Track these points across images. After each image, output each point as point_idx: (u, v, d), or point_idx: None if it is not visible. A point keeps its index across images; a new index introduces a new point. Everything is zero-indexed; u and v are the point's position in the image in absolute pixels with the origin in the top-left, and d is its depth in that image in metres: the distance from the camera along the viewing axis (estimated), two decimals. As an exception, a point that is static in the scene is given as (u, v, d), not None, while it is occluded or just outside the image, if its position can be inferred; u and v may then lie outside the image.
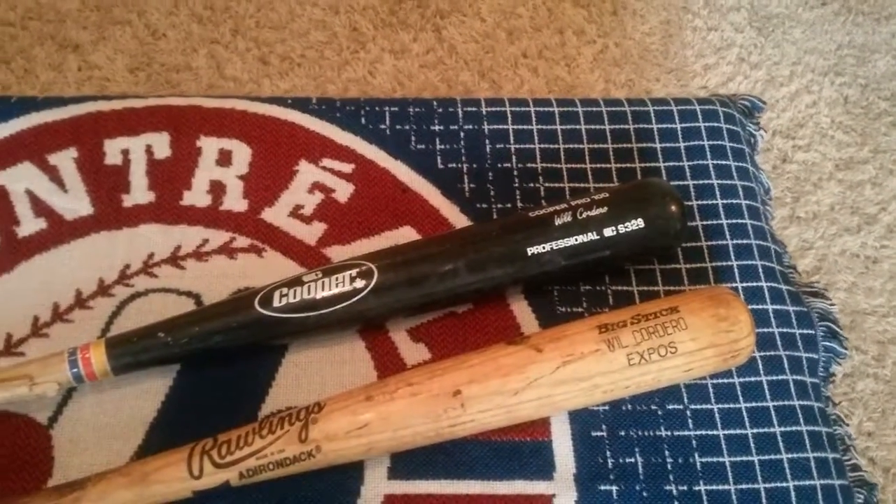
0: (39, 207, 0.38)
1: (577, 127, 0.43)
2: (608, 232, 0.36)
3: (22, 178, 0.39)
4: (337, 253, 0.38)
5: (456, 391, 0.32)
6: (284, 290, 0.34)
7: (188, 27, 0.74)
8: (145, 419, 0.34)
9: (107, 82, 0.70)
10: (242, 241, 0.38)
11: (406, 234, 0.39)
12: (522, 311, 0.37)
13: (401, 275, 0.35)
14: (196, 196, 0.39)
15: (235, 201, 0.39)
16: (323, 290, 0.34)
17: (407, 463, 0.33)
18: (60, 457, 0.33)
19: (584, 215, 0.36)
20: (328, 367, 0.36)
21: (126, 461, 0.33)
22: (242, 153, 0.41)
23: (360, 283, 0.34)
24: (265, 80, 0.71)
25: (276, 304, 0.34)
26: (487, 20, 0.77)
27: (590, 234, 0.36)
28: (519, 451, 0.34)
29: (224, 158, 0.40)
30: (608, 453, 0.34)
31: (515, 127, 0.42)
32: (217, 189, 0.40)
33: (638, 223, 0.36)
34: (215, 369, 0.35)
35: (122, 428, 0.33)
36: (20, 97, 0.41)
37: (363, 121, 0.42)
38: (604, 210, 0.36)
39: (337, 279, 0.34)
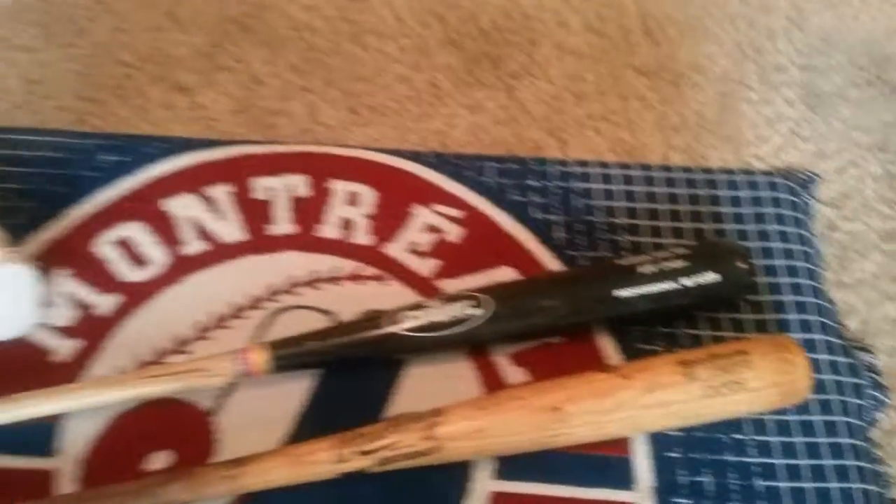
0: (200, 232, 0.47)
1: (654, 189, 0.51)
2: (686, 282, 0.43)
3: (185, 207, 0.47)
4: (447, 285, 0.46)
5: (556, 407, 0.39)
6: (410, 313, 0.42)
7: (285, 76, 0.83)
8: (292, 412, 0.41)
9: (212, 121, 0.79)
10: (369, 271, 0.46)
11: (506, 274, 0.47)
12: (607, 345, 0.44)
13: (508, 307, 0.43)
14: (329, 230, 0.47)
15: (362, 236, 0.47)
16: (442, 314, 0.42)
17: (510, 465, 0.40)
18: (221, 439, 0.40)
19: (666, 266, 0.43)
20: (440, 381, 0.43)
21: (276, 445, 0.40)
22: (368, 196, 0.49)
23: (474, 312, 0.42)
24: (354, 127, 0.80)
25: (402, 323, 0.42)
26: (556, 83, 0.86)
27: (670, 282, 0.43)
28: (604, 463, 0.41)
29: (352, 199, 0.49)
30: (681, 472, 0.41)
31: (598, 186, 0.51)
32: (347, 225, 0.48)
33: (712, 276, 0.43)
34: (347, 375, 0.43)
35: (272, 418, 0.41)
36: (184, 138, 0.50)
37: (468, 173, 0.50)
38: (683, 263, 0.43)
39: (455, 307, 0.42)
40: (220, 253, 0.46)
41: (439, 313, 0.42)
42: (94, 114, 0.70)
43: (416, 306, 0.43)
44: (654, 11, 0.95)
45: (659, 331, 0.45)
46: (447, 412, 0.40)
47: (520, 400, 0.40)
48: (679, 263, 0.44)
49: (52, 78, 0.78)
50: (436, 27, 0.94)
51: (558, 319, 0.44)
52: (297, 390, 0.42)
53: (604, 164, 0.51)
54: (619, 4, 0.97)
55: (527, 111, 0.90)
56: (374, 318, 0.43)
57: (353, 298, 0.45)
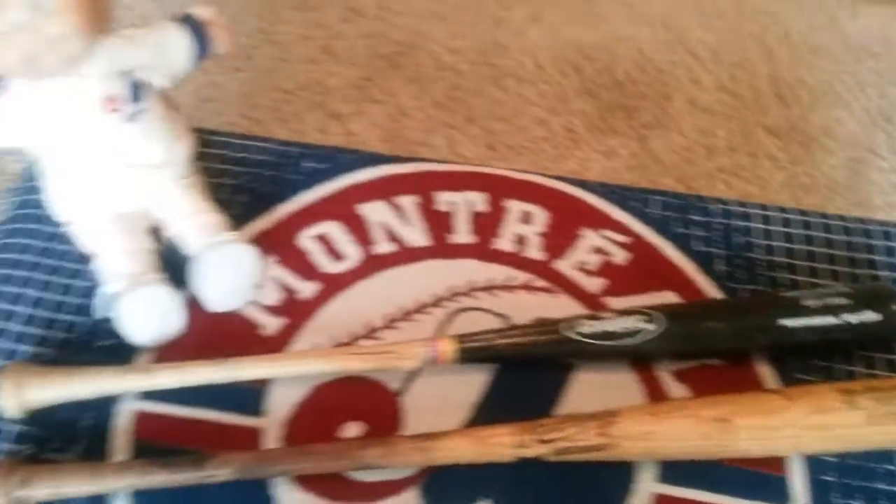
0: (389, 235, 0.53)
1: (811, 233, 0.54)
2: (849, 318, 0.46)
3: (377, 212, 0.54)
4: (613, 303, 0.51)
5: (724, 419, 0.43)
6: (586, 321, 0.46)
7: (430, 112, 0.90)
8: (470, 400, 0.46)
9: (362, 147, 0.87)
10: (540, 283, 0.51)
11: (668, 298, 0.51)
12: (766, 372, 0.48)
13: (678, 326, 0.47)
14: (505, 243, 0.53)
15: (535, 251, 0.52)
16: (616, 326, 0.46)
17: (673, 470, 0.44)
18: (407, 418, 0.45)
19: (829, 301, 0.47)
20: (605, 388, 0.47)
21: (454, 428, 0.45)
22: (540, 216, 0.54)
23: (646, 326, 0.46)
24: (491, 162, 0.86)
25: (578, 329, 0.46)
26: (688, 137, 0.91)
27: (833, 317, 0.46)
28: (762, 479, 0.44)
29: (526, 218, 0.54)
30: (836, 495, 0.44)
31: (757, 226, 0.55)
32: (521, 241, 0.53)
33: (873, 316, 0.47)
34: (521, 373, 0.47)
35: (452, 403, 0.46)
36: (378, 153, 0.57)
37: (634, 203, 0.55)
38: (846, 301, 0.47)
39: (629, 320, 0.46)
40: (407, 255, 0.52)
41: (614, 324, 0.46)
42: (256, 133, 0.78)
43: (593, 316, 0.47)
44: (785, 75, 0.99)
45: (816, 363, 0.48)
46: (622, 413, 0.44)
47: (689, 410, 0.44)
48: (842, 300, 0.47)
49: (220, 97, 0.88)
50: (573, 76, 1.00)
51: (723, 342, 0.47)
52: (475, 381, 0.47)
53: (763, 207, 0.55)
54: (751, 66, 1.02)
55: (658, 160, 0.94)
56: (553, 322, 0.47)
57: (525, 306, 0.50)
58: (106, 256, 0.47)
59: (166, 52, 0.47)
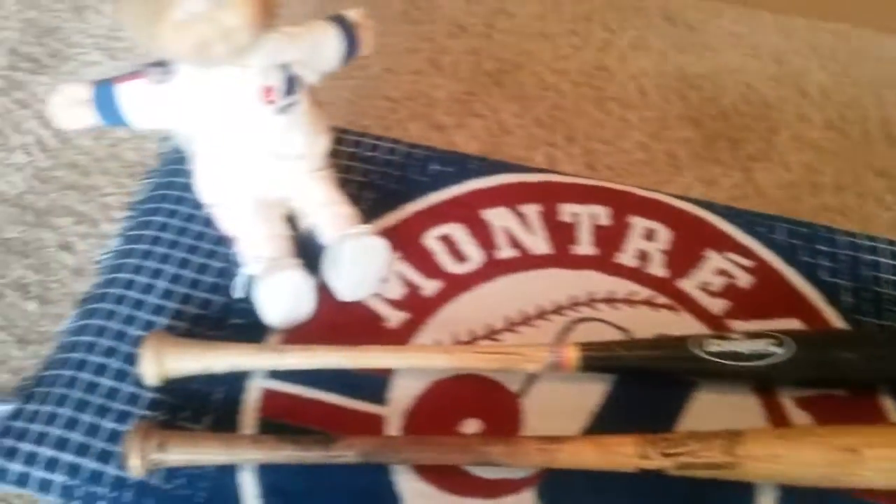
0: (513, 241, 0.54)
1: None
2: None
3: (500, 217, 0.55)
4: (736, 326, 0.51)
5: (853, 448, 0.43)
6: (714, 340, 0.47)
7: (531, 129, 0.92)
8: (589, 409, 0.47)
9: (464, 158, 0.89)
10: (662, 299, 0.52)
11: (793, 325, 0.51)
12: (890, 405, 0.47)
13: (808, 352, 0.47)
14: (627, 258, 0.54)
15: (657, 268, 0.53)
16: (745, 347, 0.47)
17: (793, 496, 0.44)
18: (526, 419, 0.46)
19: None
20: (725, 409, 0.47)
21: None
22: (663, 234, 0.55)
23: (775, 350, 0.46)
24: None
25: (706, 348, 0.47)
26: (793, 172, 0.91)
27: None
28: (887, 514, 0.43)
29: (649, 235, 0.55)
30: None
31: (886, 261, 0.54)
32: (643, 256, 0.54)
33: None
34: (641, 387, 0.48)
35: (571, 410, 0.47)
36: (502, 161, 0.59)
37: (760, 229, 0.55)
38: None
39: (758, 342, 0.47)
40: (529, 262, 0.53)
41: (742, 346, 0.47)
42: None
43: (721, 336, 0.47)
44: (895, 118, 0.98)
45: (947, 403, 0.48)
46: (747, 434, 0.44)
47: (817, 436, 0.44)
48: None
49: (330, 102, 0.91)
50: (677, 103, 1.01)
51: (853, 373, 0.47)
52: (595, 391, 0.48)
53: (892, 242, 0.55)
54: (860, 106, 1.02)
55: (762, 193, 0.94)
56: (680, 339, 0.48)
57: (646, 321, 0.51)
58: (246, 240, 0.50)
59: (320, 50, 0.50)
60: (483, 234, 0.54)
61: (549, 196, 0.56)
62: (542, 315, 0.51)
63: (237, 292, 0.49)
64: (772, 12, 1.07)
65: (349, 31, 0.51)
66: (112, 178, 0.82)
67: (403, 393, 0.48)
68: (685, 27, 1.03)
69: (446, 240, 0.54)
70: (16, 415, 0.47)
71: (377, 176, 0.57)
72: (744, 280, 0.53)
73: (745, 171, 0.94)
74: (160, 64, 0.47)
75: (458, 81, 0.96)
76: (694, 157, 0.94)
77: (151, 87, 0.46)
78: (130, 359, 0.48)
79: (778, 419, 0.47)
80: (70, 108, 0.46)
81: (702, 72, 1.00)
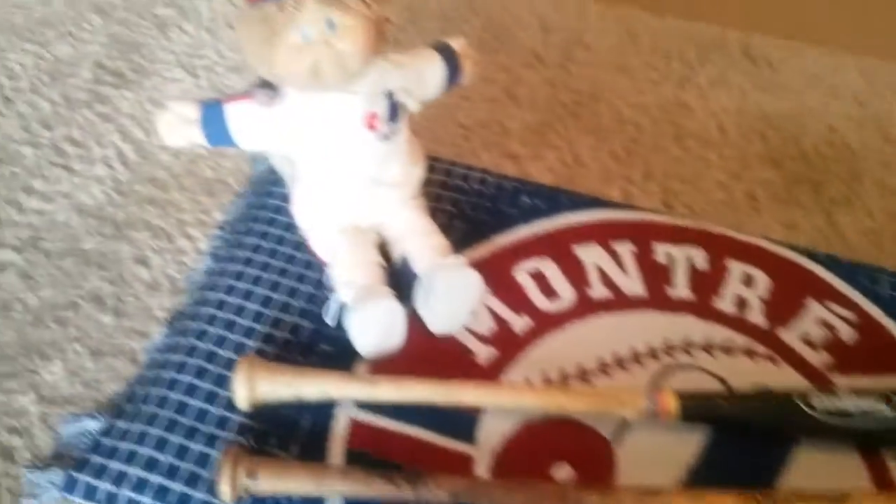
0: (605, 280, 0.53)
1: None
2: None
3: (592, 255, 0.55)
4: (839, 381, 0.49)
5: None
6: (819, 395, 0.45)
7: (606, 163, 0.92)
8: (687, 460, 0.46)
9: (537, 190, 0.89)
10: (761, 349, 0.50)
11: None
12: None
13: (920, 413, 0.45)
14: (725, 303, 0.53)
15: (756, 316, 0.52)
16: (851, 404, 0.45)
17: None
18: (620, 467, 0.45)
19: None
20: (828, 467, 0.46)
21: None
22: (762, 280, 0.54)
23: (884, 409, 0.45)
24: (668, 221, 0.87)
25: (810, 402, 0.45)
26: (877, 219, 0.88)
27: None
28: None
29: (747, 280, 0.54)
30: None
31: None
32: (741, 303, 0.53)
33: None
34: (740, 441, 0.46)
35: (668, 460, 0.46)
36: (594, 196, 0.58)
37: (862, 279, 0.54)
38: None
39: (866, 400, 0.45)
40: (622, 302, 0.52)
41: (849, 402, 0.45)
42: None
43: (826, 391, 0.46)
44: None
45: None
46: (854, 496, 0.42)
47: (932, 504, 0.42)
48: None
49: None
50: (757, 143, 1.00)
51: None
52: (691, 441, 0.47)
53: None
54: (948, 156, 0.99)
55: (844, 239, 0.92)
56: (783, 392, 0.46)
57: (744, 371, 0.49)
58: (339, 266, 0.50)
59: (424, 78, 0.50)
60: (574, 271, 0.54)
61: (642, 235, 0.56)
62: (636, 358, 0.50)
63: (329, 320, 0.49)
64: (853, 54, 1.05)
65: (452, 60, 0.51)
66: (189, 194, 0.83)
67: (493, 432, 0.47)
68: (766, 65, 1.02)
69: (537, 275, 0.54)
70: (106, 431, 0.47)
71: (467, 206, 0.57)
72: (846, 332, 0.51)
73: (826, 216, 0.92)
74: (269, 86, 0.47)
75: (533, 112, 0.96)
76: (774, 199, 0.92)
77: (259, 109, 0.47)
78: (220, 381, 0.48)
79: (882, 480, 0.45)
80: (177, 126, 0.47)
81: (782, 112, 0.98)
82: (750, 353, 0.50)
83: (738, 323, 0.52)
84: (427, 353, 0.50)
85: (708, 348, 0.50)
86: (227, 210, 0.85)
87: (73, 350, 0.74)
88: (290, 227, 0.53)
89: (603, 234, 0.55)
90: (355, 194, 0.50)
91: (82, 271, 0.81)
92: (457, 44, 0.51)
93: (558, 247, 0.55)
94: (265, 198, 0.56)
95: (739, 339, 0.51)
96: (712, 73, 1.03)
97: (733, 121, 0.99)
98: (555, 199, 0.57)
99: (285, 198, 0.54)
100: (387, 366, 0.49)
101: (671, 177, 0.96)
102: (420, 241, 0.51)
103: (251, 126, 0.48)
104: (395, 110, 0.48)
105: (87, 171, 0.87)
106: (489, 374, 0.49)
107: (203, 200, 0.88)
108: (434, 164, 0.59)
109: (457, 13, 1.04)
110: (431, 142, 0.96)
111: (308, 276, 0.52)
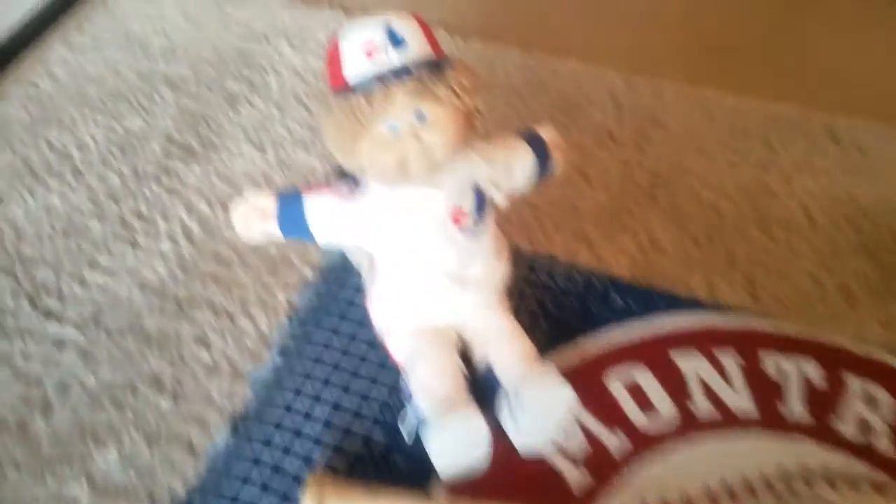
0: (709, 394, 0.48)
1: None
2: None
3: (693, 365, 0.50)
4: None
5: None
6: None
7: (686, 248, 0.86)
8: None
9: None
10: (892, 484, 0.44)
11: None
12: None
13: None
14: (845, 426, 0.47)
15: (885, 444, 0.46)
16: None
17: None
18: None
19: None
20: None
21: None
22: (886, 402, 0.48)
23: None
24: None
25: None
26: (985, 315, 0.81)
27: None
28: None
29: (870, 401, 0.48)
30: None
31: None
32: (865, 427, 0.47)
33: None
34: None
35: None
36: (692, 298, 0.53)
37: None
38: None
39: None
40: (729, 421, 0.47)
41: None
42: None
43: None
44: None
45: None
46: None
47: None
48: None
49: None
50: (849, 232, 0.93)
51: None
52: None
53: None
54: None
55: (951, 340, 0.85)
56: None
57: (875, 507, 0.43)
58: (417, 372, 0.46)
59: (512, 170, 0.47)
60: (674, 382, 0.49)
61: (748, 343, 0.50)
62: (748, 488, 0.44)
63: (405, 435, 0.45)
64: (948, 137, 0.99)
65: (542, 151, 0.48)
66: (254, 273, 0.80)
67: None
68: (854, 149, 0.96)
69: (632, 386, 0.49)
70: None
71: (553, 305, 0.53)
72: None
73: (928, 313, 0.85)
74: (349, 178, 0.44)
75: (607, 192, 0.91)
76: (870, 294, 0.86)
77: (339, 202, 0.44)
78: (287, 497, 0.44)
79: None
80: (253, 219, 0.44)
81: (874, 199, 0.92)
82: (880, 489, 0.44)
83: (862, 451, 0.46)
84: (513, 476, 0.45)
85: (830, 479, 0.45)
86: (291, 292, 0.82)
87: (128, 435, 0.71)
88: (364, 322, 0.50)
89: (704, 341, 0.50)
90: (436, 292, 0.46)
91: (142, 351, 0.79)
92: (546, 133, 0.48)
93: (655, 353, 0.50)
94: (337, 288, 0.52)
95: (863, 471, 0.45)
96: (796, 155, 0.98)
97: (821, 207, 0.93)
98: (649, 299, 0.53)
99: (359, 289, 0.51)
100: (468, 488, 0.44)
101: (756, 266, 0.90)
102: (505, 346, 0.46)
103: (330, 220, 0.45)
104: (481, 204, 0.45)
105: (152, 245, 0.85)
106: (582, 503, 0.44)
107: (267, 280, 0.85)
108: (516, 256, 0.55)
109: (526, 89, 1.02)
110: (500, 222, 0.93)
111: (382, 378, 0.48)
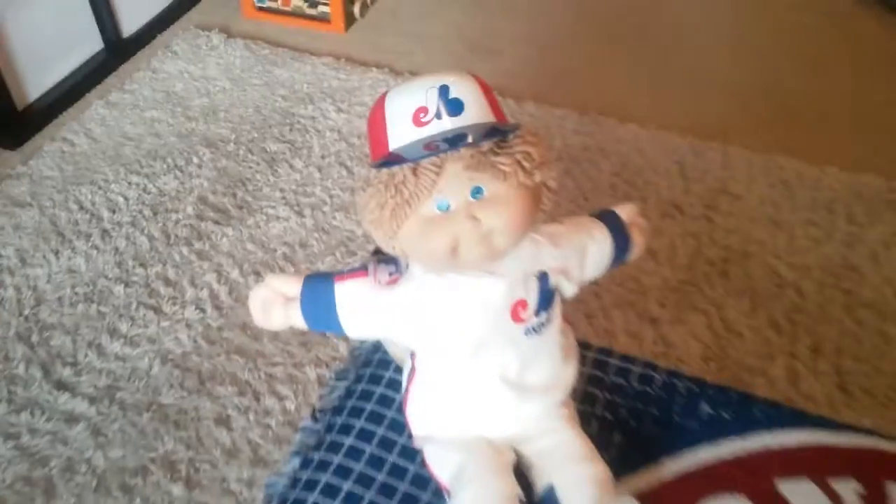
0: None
1: None
2: None
3: (803, 495, 0.40)
4: None
5: None
6: None
7: (765, 333, 0.77)
8: None
9: (679, 363, 0.75)
10: None
11: None
12: None
13: None
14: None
15: None
16: None
17: None
18: None
19: None
20: None
21: None
22: None
23: None
24: (843, 409, 0.70)
25: None
26: None
27: None
28: None
29: None
30: None
31: None
32: None
33: None
34: None
35: None
36: (798, 410, 0.44)
37: None
38: None
39: None
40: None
41: None
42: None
43: None
44: None
45: None
46: None
47: None
48: None
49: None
50: (946, 319, 0.83)
51: None
52: None
53: None
54: None
55: None
56: None
57: None
58: (464, 497, 0.37)
59: (585, 255, 0.38)
60: (776, 516, 0.39)
61: (870, 468, 0.41)
62: None
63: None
64: None
65: (620, 233, 0.40)
66: (282, 346, 0.73)
67: None
68: (950, 225, 0.86)
69: (729, 517, 0.39)
70: None
71: (629, 413, 0.43)
72: None
73: None
74: (390, 262, 0.37)
75: (673, 268, 0.83)
76: (977, 390, 0.75)
77: (377, 290, 0.36)
78: None
79: None
80: (273, 305, 0.37)
81: (975, 282, 0.82)
82: None
83: None
84: None
85: None
86: (324, 369, 0.74)
87: (134, 528, 0.63)
88: (400, 427, 0.41)
89: (816, 466, 0.41)
90: (490, 401, 0.38)
91: (157, 430, 0.72)
92: (625, 211, 0.40)
93: (757, 482, 0.40)
94: (370, 385, 0.44)
95: None
96: (885, 232, 0.88)
97: (912, 290, 0.83)
98: (743, 408, 0.43)
99: (396, 387, 0.43)
100: None
101: (845, 354, 0.79)
102: (573, 469, 0.37)
103: (365, 311, 0.37)
104: (547, 296, 0.37)
105: (177, 314, 0.79)
106: None
107: (296, 353, 0.78)
108: (583, 353, 0.46)
109: (585, 155, 0.95)
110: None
111: (420, 499, 0.40)
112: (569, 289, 0.38)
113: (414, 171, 0.31)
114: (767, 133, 0.99)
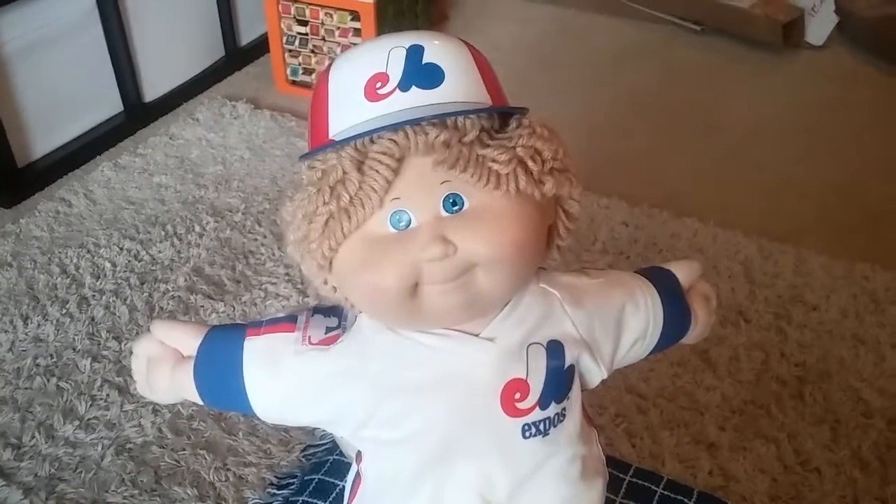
0: None
1: None
2: None
3: None
4: None
5: None
6: None
7: (848, 471, 0.63)
8: None
9: (742, 502, 0.61)
10: None
11: None
12: None
13: None
14: None
15: None
16: None
17: None
18: None
19: None
20: None
21: None
22: None
23: None
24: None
25: None
26: None
27: None
28: None
29: None
30: None
31: None
32: None
33: None
34: None
35: None
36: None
37: None
38: None
39: None
40: None
41: None
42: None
43: None
44: None
45: None
46: None
47: None
48: None
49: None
50: None
51: None
52: None
53: None
54: None
55: None
56: None
57: None
58: None
59: (622, 323, 0.28)
60: None
61: None
62: None
63: None
64: None
65: (674, 297, 0.28)
66: (259, 443, 0.62)
67: None
68: None
69: None
70: None
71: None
72: None
73: None
74: (332, 313, 0.26)
75: (737, 385, 0.70)
76: None
77: (304, 350, 0.25)
78: None
79: None
80: (159, 365, 0.27)
81: None
82: None
83: None
84: None
85: None
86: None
87: None
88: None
89: None
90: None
91: (90, 544, 0.61)
92: (682, 270, 0.29)
93: None
94: (314, 498, 0.33)
95: None
96: None
97: None
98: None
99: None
100: None
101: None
102: None
103: (283, 381, 0.25)
104: (559, 379, 0.25)
105: (144, 396, 0.69)
106: None
107: (275, 453, 0.66)
108: (614, 473, 0.34)
109: (633, 249, 0.84)
110: (593, 410, 0.72)
111: None
112: (595, 372, 0.26)
113: (358, 167, 0.21)
114: (848, 238, 0.88)
